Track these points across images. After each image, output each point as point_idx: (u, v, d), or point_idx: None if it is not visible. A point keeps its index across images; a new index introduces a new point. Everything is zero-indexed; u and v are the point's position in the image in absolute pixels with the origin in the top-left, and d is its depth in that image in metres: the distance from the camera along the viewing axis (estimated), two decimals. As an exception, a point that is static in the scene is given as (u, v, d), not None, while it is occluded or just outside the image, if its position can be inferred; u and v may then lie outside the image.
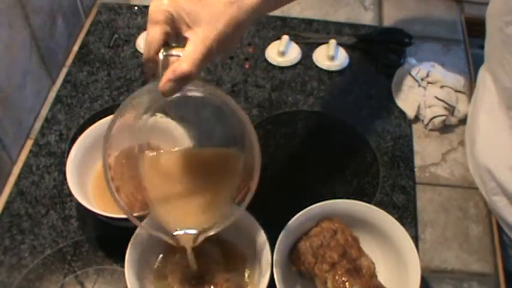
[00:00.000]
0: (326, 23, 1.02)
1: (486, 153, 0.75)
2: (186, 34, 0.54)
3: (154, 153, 0.63)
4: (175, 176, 0.62)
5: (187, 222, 0.60)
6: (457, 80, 0.90)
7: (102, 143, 0.56)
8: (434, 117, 0.86)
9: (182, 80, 0.52)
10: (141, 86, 0.91)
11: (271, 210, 0.68)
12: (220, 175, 0.63)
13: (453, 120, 0.87)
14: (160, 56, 0.54)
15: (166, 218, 0.61)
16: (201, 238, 0.60)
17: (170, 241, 0.60)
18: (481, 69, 0.83)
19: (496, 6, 0.72)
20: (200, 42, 0.52)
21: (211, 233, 0.60)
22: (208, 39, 0.53)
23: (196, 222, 0.61)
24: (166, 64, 0.54)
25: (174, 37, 0.55)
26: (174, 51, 0.54)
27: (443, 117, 0.86)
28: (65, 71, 0.95)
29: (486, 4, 0.75)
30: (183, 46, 0.53)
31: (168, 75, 0.52)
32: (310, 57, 0.97)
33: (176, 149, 0.63)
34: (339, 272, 0.63)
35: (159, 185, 0.62)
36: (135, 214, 0.68)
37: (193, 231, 0.60)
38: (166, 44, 0.54)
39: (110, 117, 0.77)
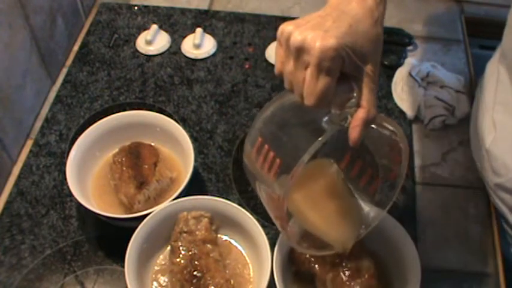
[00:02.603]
0: (326, 23, 1.02)
1: (503, 145, 0.74)
2: (356, 74, 0.52)
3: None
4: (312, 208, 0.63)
5: (350, 235, 0.62)
6: (457, 80, 0.90)
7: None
8: (434, 117, 0.86)
9: (369, 124, 0.53)
10: (142, 86, 0.92)
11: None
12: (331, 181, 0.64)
13: (453, 120, 0.87)
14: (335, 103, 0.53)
15: (329, 237, 0.62)
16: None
17: (331, 252, 0.62)
18: (490, 64, 0.82)
19: None
20: (373, 84, 0.52)
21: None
22: (377, 76, 0.53)
23: (356, 228, 0.62)
24: (338, 104, 0.53)
25: None
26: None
27: (443, 117, 0.86)
28: (65, 71, 0.95)
29: (486, 4, 0.75)
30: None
31: (360, 127, 0.52)
32: (310, 57, 0.96)
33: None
34: (339, 272, 0.63)
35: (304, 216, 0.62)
36: (136, 214, 0.68)
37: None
38: None
39: (109, 117, 0.78)
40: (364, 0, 0.53)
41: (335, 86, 0.51)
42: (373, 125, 0.57)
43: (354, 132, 0.52)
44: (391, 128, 0.56)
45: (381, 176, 0.61)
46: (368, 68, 0.52)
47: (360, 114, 0.52)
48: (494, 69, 0.79)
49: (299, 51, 0.50)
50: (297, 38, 0.50)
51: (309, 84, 0.50)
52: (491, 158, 0.75)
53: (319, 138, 0.51)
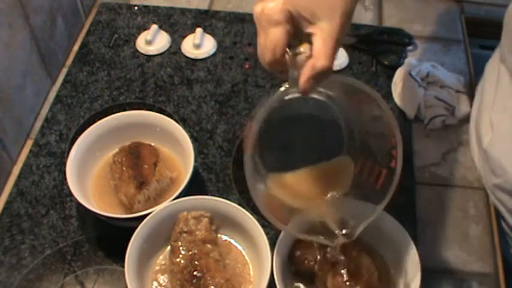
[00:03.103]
0: (326, 23, 1.02)
1: (500, 147, 0.74)
2: (309, 30, 0.53)
3: (280, 175, 0.64)
4: (303, 193, 0.64)
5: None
6: (457, 80, 0.91)
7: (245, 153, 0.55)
8: (434, 117, 0.86)
9: (321, 76, 0.52)
10: (142, 86, 0.92)
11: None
12: (338, 182, 0.65)
13: (453, 120, 0.87)
14: (287, 56, 0.53)
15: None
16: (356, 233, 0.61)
17: (326, 242, 0.61)
18: (490, 64, 0.82)
19: None
20: (328, 36, 0.52)
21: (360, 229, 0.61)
22: (333, 32, 0.52)
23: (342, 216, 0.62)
24: (295, 63, 0.53)
25: (293, 36, 0.54)
26: (302, 49, 0.53)
27: (443, 117, 0.86)
28: (65, 71, 0.95)
29: (486, 4, 0.75)
30: (308, 42, 0.53)
31: (307, 74, 0.52)
32: (310, 57, 0.96)
33: (297, 171, 0.64)
34: (339, 272, 0.63)
35: (294, 201, 0.63)
36: (136, 214, 0.68)
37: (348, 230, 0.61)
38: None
39: (109, 117, 0.78)
40: None
41: (286, 38, 0.52)
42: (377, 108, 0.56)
43: (302, 79, 0.52)
44: (384, 108, 0.56)
45: (385, 169, 0.61)
46: (323, 24, 0.52)
47: (309, 63, 0.52)
48: (494, 69, 0.79)
49: (257, 21, 0.53)
50: (257, 9, 0.53)
51: (263, 43, 0.53)
52: (489, 158, 0.75)
53: (280, 89, 0.53)
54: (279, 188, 0.63)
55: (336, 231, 0.60)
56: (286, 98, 0.57)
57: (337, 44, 0.53)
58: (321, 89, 0.60)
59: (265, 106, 0.53)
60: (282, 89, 0.54)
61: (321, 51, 0.52)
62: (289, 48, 0.53)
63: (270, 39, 0.52)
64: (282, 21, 0.52)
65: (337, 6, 0.53)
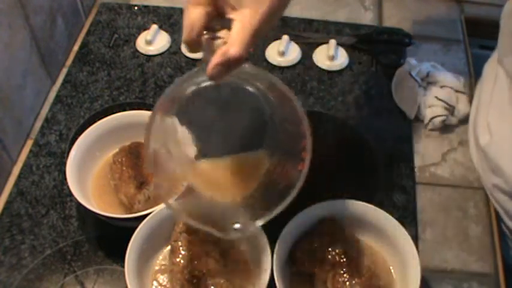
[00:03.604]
0: (326, 23, 1.02)
1: (497, 148, 0.75)
2: (231, 16, 0.52)
3: (195, 161, 0.62)
4: (217, 182, 0.63)
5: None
6: (457, 80, 0.90)
7: (145, 134, 0.53)
8: (434, 117, 0.86)
9: (232, 64, 0.51)
10: (142, 86, 0.92)
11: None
12: (250, 175, 0.63)
13: (453, 120, 0.87)
14: (204, 39, 0.52)
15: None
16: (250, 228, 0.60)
17: (217, 234, 0.59)
18: (488, 65, 0.82)
19: None
20: (247, 23, 0.51)
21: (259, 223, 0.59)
22: (255, 20, 0.51)
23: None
24: (210, 47, 0.52)
25: (216, 19, 0.53)
26: (219, 34, 0.52)
27: (443, 117, 0.86)
28: (65, 71, 0.95)
29: (486, 4, 0.75)
30: (228, 28, 0.52)
31: (217, 59, 0.50)
32: (310, 57, 0.97)
33: (206, 160, 0.63)
34: (339, 272, 0.63)
35: (207, 189, 0.62)
36: (136, 214, 0.68)
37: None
38: (209, 26, 0.53)
39: (109, 117, 0.78)
40: None
41: (204, 19, 0.52)
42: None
43: (210, 65, 0.51)
44: (297, 107, 0.56)
45: (293, 170, 0.59)
46: (245, 11, 0.51)
47: (221, 49, 0.51)
48: (492, 69, 0.79)
49: None
50: None
51: (183, 23, 0.53)
52: (486, 158, 0.75)
53: (193, 70, 0.53)
54: (192, 174, 0.62)
55: (229, 226, 0.58)
56: (203, 84, 0.56)
57: (257, 34, 0.51)
58: (249, 79, 0.59)
59: (174, 84, 0.53)
60: (195, 70, 0.53)
61: (237, 37, 0.50)
62: (208, 31, 0.53)
63: (188, 18, 0.52)
64: (203, 1, 0.52)
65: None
